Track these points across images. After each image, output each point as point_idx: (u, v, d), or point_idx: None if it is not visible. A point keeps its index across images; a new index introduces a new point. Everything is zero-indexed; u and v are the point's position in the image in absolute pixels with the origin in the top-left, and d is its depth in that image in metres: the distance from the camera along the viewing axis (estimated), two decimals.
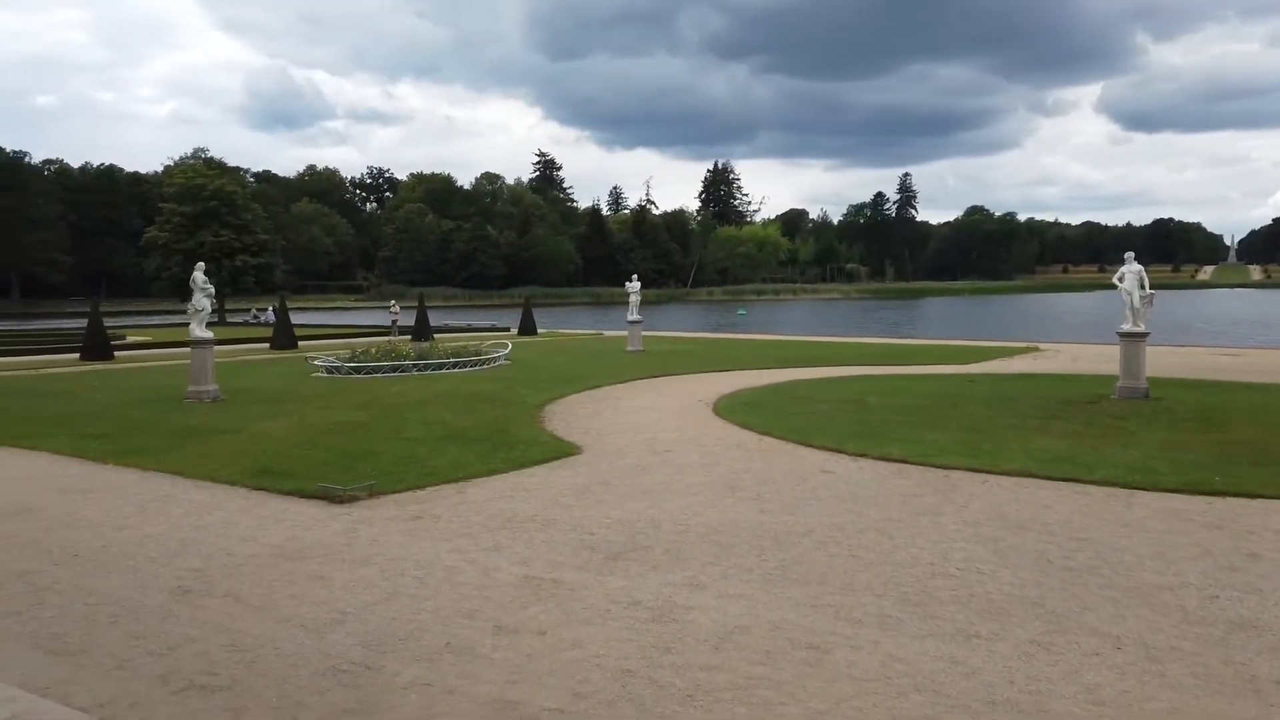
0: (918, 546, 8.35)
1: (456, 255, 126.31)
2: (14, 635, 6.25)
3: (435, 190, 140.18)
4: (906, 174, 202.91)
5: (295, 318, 40.02)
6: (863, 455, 12.59)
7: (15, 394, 19.87)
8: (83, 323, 30.94)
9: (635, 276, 33.36)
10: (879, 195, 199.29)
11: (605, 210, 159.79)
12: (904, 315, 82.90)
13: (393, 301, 48.78)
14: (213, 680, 5.55)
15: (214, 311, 56.04)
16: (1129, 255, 18.25)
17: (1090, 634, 6.19)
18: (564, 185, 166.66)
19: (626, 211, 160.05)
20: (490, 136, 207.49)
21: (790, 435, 14.32)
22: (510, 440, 13.87)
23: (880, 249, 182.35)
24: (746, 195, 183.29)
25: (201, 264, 19.50)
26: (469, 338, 37.58)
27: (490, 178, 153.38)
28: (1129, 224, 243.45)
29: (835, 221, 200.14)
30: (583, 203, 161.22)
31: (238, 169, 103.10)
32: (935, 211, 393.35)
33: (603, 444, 13.86)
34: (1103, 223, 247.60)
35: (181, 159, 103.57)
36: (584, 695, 5.37)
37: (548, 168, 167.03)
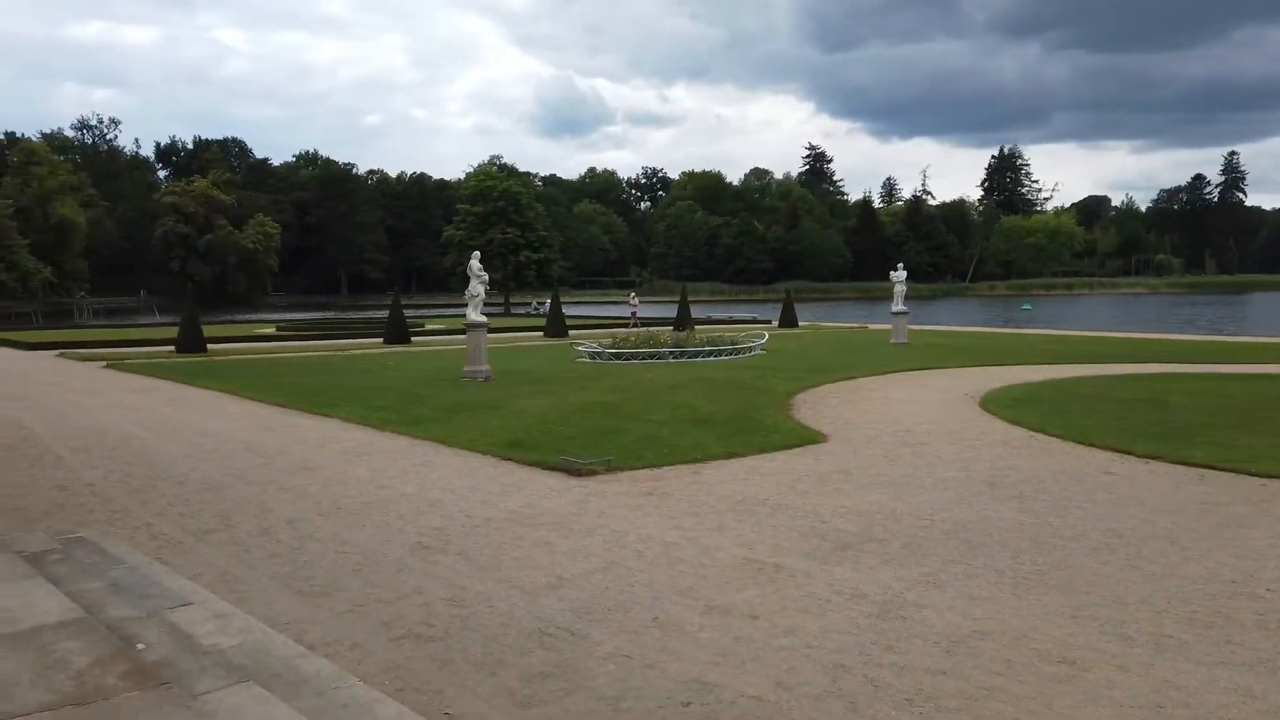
0: (1216, 560, 7.04)
1: (723, 250, 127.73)
2: (271, 575, 6.83)
3: (705, 187, 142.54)
4: (1233, 153, 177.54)
5: (572, 310, 42.16)
6: (1155, 458, 10.98)
7: (324, 370, 22.37)
8: (378, 309, 34.50)
9: (900, 265, 31.72)
10: (1198, 178, 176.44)
11: (877, 202, 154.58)
12: (1226, 311, 72.80)
13: (632, 294, 50.16)
14: (429, 630, 5.71)
15: (501, 304, 59.95)
16: None
17: None
18: (834, 178, 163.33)
19: (900, 203, 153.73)
20: (759, 133, 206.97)
21: (1068, 433, 12.84)
22: (753, 426, 13.54)
23: (1198, 239, 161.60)
24: (1036, 182, 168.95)
25: (477, 253, 20.88)
26: (727, 329, 37.61)
27: (759, 173, 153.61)
28: None
29: (1143, 209, 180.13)
30: (853, 196, 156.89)
31: (527, 174, 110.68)
32: (1270, 195, 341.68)
33: (850, 434, 13.17)
34: None
35: (479, 166, 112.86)
36: (789, 686, 4.94)
37: (817, 161, 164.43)
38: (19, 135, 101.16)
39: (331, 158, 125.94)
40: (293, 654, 4.94)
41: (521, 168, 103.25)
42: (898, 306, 30.80)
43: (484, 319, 20.17)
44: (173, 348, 27.97)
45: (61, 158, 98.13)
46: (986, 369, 22.19)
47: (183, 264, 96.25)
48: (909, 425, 13.82)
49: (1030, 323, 57.20)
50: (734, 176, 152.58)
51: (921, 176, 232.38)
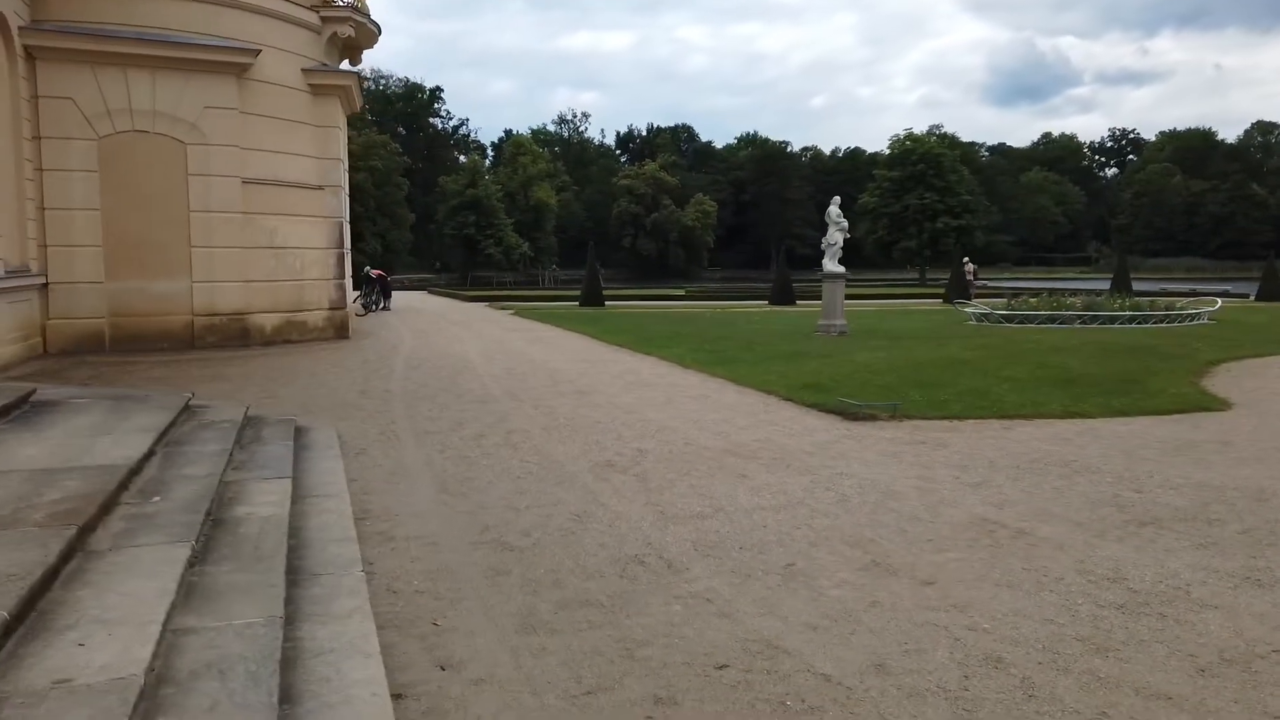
0: None
1: (1207, 220, 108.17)
2: (439, 472, 6.51)
3: (1187, 148, 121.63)
4: None
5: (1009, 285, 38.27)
6: None
7: (687, 322, 22.35)
8: (800, 283, 34.48)
9: None
10: None
11: None
12: None
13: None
14: (521, 541, 4.92)
15: (917, 276, 56.54)
16: None
17: None
18: None
19: None
20: (1276, 83, 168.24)
21: None
22: (1132, 389, 10.71)
23: None
24: None
25: (837, 198, 19.44)
26: (1176, 300, 31.40)
27: (1264, 127, 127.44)
28: None
29: None
30: None
31: (972, 144, 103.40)
32: None
33: (1270, 406, 9.88)
34: None
35: (904, 132, 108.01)
36: (890, 672, 3.35)
37: None
38: (514, 131, 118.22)
39: (768, 137, 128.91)
40: (333, 538, 4.49)
41: (965, 138, 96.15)
42: None
43: (841, 269, 18.72)
44: (576, 303, 30.35)
45: (543, 149, 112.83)
46: None
47: (633, 240, 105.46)
48: None
49: None
50: (1230, 135, 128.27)
51: None
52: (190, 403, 6.59)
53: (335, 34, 16.20)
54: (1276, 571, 4.46)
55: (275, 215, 15.34)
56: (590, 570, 4.46)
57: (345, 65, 18.07)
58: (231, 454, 5.52)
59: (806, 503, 5.70)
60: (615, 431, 8.04)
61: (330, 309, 16.57)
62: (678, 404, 9.67)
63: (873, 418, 8.80)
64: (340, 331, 16.67)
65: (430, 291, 45.97)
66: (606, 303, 30.73)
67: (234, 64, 14.45)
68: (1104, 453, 7.31)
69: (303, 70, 15.67)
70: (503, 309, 28.35)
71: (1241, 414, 9.26)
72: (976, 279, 45.29)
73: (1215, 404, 9.82)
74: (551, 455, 7.10)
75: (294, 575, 3.85)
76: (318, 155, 16.12)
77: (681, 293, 43.34)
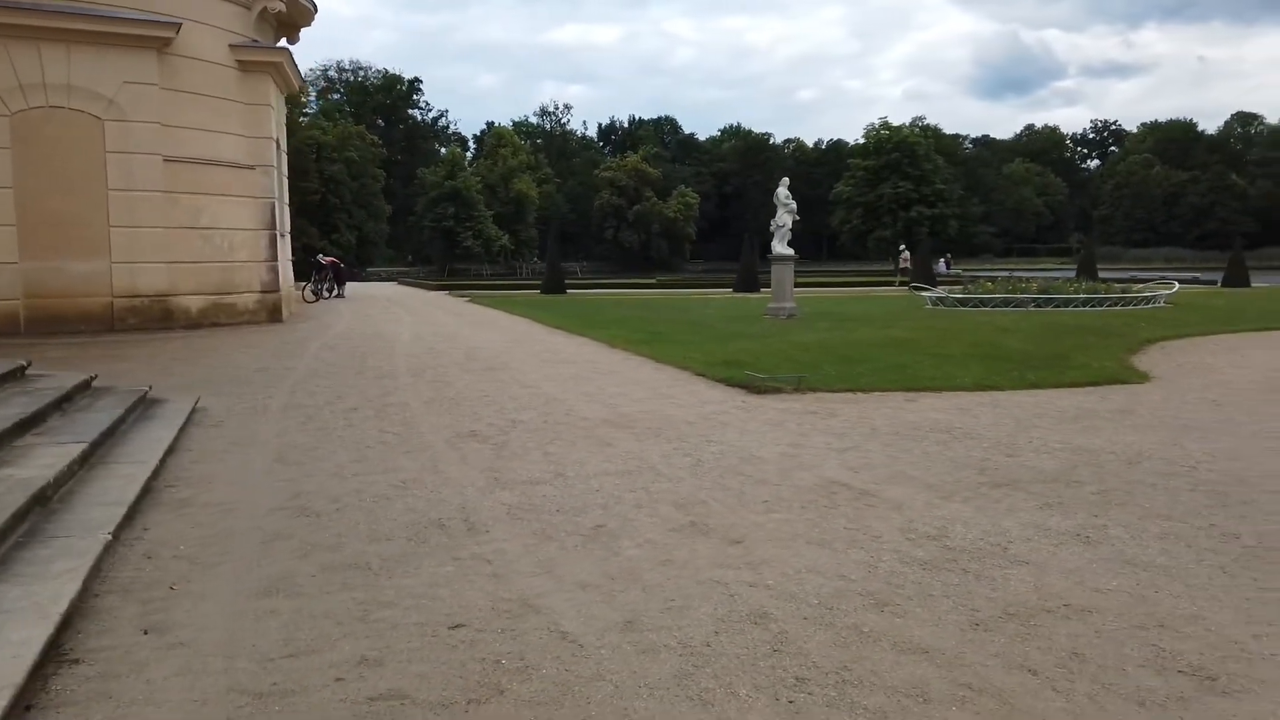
0: None
1: (1188, 210, 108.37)
2: (286, 442, 6.22)
3: (1168, 139, 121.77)
4: None
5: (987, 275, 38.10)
6: None
7: (641, 307, 22.05)
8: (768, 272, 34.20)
9: None
10: None
11: None
12: None
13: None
14: (326, 508, 4.64)
15: (894, 268, 56.23)
16: None
17: None
18: None
19: None
20: (1259, 76, 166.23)
21: None
22: (1057, 364, 10.51)
23: None
24: None
25: (786, 179, 19.19)
26: (1140, 285, 31.30)
27: (1244, 118, 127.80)
28: None
29: None
30: None
31: (955, 136, 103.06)
32: None
33: (1189, 379, 9.70)
34: None
35: (880, 121, 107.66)
36: (640, 628, 3.10)
37: None
38: (496, 124, 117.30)
39: (751, 129, 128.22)
40: (103, 502, 4.23)
41: (951, 130, 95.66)
42: None
43: (790, 252, 18.46)
44: (538, 290, 30.04)
45: (525, 141, 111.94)
46: None
47: (615, 232, 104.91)
48: None
49: None
50: (1212, 127, 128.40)
51: None
52: (28, 371, 6.29)
53: (265, 9, 15.81)
54: (1110, 530, 4.21)
55: (202, 195, 14.96)
56: (380, 535, 4.17)
57: (283, 43, 17.70)
58: (45, 419, 5.23)
59: (657, 468, 5.43)
60: (499, 404, 7.76)
61: (262, 292, 16.19)
62: (584, 379, 9.40)
63: (777, 391, 8.55)
64: (273, 315, 16.30)
65: (400, 282, 45.57)
66: (570, 290, 30.41)
67: (154, 38, 14.06)
68: (995, 421, 7.09)
69: (230, 46, 15.28)
70: (460, 296, 28.02)
71: (1156, 386, 9.06)
72: (949, 269, 45.27)
73: (1134, 377, 9.63)
74: (417, 427, 6.81)
75: (29, 536, 3.57)
76: (248, 134, 15.73)
77: (653, 281, 43.05)
